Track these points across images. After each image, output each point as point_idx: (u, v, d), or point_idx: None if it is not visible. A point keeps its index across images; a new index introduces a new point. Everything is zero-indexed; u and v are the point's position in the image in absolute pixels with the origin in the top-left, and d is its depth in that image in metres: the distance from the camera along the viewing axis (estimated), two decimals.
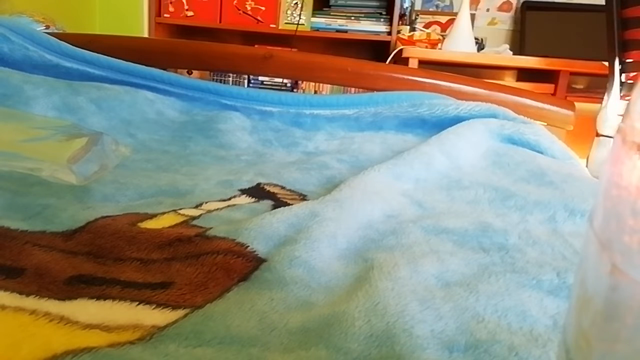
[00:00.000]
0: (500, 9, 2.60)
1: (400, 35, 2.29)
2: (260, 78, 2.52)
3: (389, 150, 0.85)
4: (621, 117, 0.18)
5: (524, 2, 2.53)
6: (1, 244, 0.42)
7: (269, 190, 0.65)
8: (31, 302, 0.35)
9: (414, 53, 2.10)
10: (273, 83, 2.52)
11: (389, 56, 2.18)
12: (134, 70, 1.03)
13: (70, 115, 0.84)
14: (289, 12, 2.47)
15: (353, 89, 2.18)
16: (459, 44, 2.10)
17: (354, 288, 0.40)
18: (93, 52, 1.04)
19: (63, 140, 0.66)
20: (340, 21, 2.45)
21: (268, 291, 0.39)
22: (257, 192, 0.64)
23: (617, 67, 1.47)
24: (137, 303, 0.36)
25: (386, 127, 0.99)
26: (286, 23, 2.47)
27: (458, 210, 0.61)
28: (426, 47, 2.20)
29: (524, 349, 0.33)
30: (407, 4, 2.40)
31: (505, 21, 2.60)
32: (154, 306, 0.36)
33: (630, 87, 1.47)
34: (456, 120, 0.92)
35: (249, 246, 0.45)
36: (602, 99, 1.52)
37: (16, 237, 0.43)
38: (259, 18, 2.47)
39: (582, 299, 0.18)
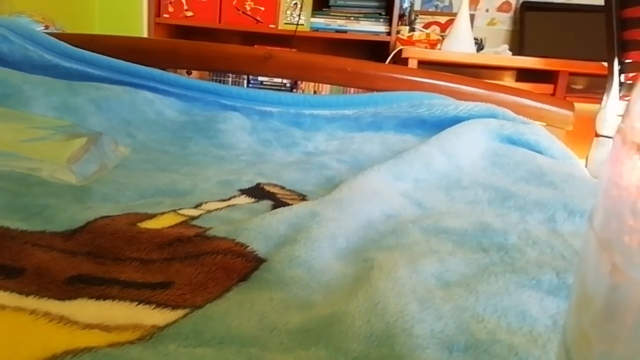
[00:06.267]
0: (499, 9, 2.60)
1: (399, 36, 2.30)
2: (260, 78, 2.52)
3: (389, 151, 0.85)
4: (620, 118, 0.18)
5: (523, 3, 2.53)
6: (1, 244, 0.42)
7: (268, 191, 0.65)
8: (31, 302, 0.35)
9: (414, 53, 2.10)
10: (272, 83, 2.52)
11: (388, 56, 2.19)
12: (134, 71, 1.03)
13: (69, 116, 0.84)
14: (288, 12, 2.47)
15: (352, 89, 2.18)
16: (459, 45, 2.10)
17: (353, 288, 0.40)
18: (93, 52, 1.04)
19: (62, 140, 0.66)
20: (339, 21, 2.45)
21: (268, 291, 0.39)
22: (257, 192, 0.64)
23: (616, 67, 1.48)
24: (137, 303, 0.36)
25: (386, 127, 0.99)
26: (286, 23, 2.47)
27: (458, 210, 0.61)
28: (425, 48, 2.20)
29: (523, 348, 0.33)
30: (406, 4, 2.40)
31: (504, 21, 2.60)
32: (153, 306, 0.36)
33: (630, 87, 1.47)
34: (456, 120, 0.92)
35: (248, 246, 0.45)
36: (602, 99, 1.52)
37: (16, 237, 0.43)
38: (258, 18, 2.47)
39: (582, 299, 0.18)
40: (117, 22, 2.40)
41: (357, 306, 0.36)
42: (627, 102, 0.18)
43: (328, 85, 2.47)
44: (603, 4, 1.50)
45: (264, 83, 2.53)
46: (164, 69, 1.09)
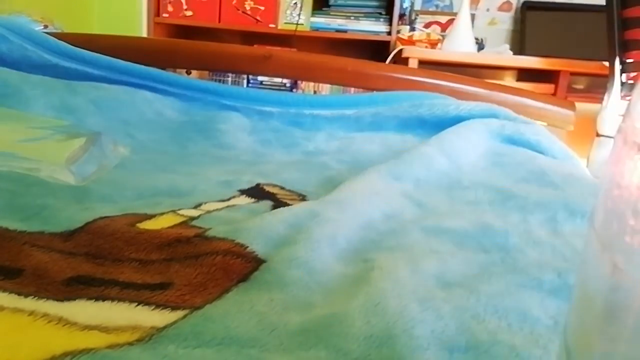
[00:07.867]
0: (500, 8, 2.60)
1: (400, 35, 2.29)
2: (259, 78, 2.51)
3: (389, 151, 0.85)
4: (622, 118, 0.17)
5: (524, 2, 2.52)
6: (0, 245, 0.42)
7: (268, 191, 0.65)
8: (30, 303, 0.35)
9: (414, 53, 2.10)
10: (272, 83, 2.51)
11: (388, 56, 2.18)
12: (133, 70, 1.02)
13: (68, 115, 0.84)
14: (288, 11, 2.47)
15: (353, 89, 2.17)
16: (459, 44, 2.10)
17: (354, 289, 0.39)
18: (92, 51, 1.04)
19: (61, 141, 0.65)
20: (339, 21, 2.44)
21: (267, 292, 0.39)
22: (257, 192, 0.64)
23: (617, 67, 1.47)
24: (136, 304, 0.36)
25: (386, 127, 0.99)
26: (285, 23, 2.47)
27: (458, 210, 0.60)
28: (426, 47, 2.20)
29: (524, 349, 0.33)
30: (406, 4, 2.40)
31: (505, 21, 2.60)
32: (152, 307, 0.36)
33: (631, 87, 1.47)
34: (456, 120, 0.92)
35: (248, 247, 0.44)
36: (603, 99, 1.52)
37: (15, 238, 0.43)
38: (258, 18, 2.47)
39: (583, 299, 0.18)
40: (116, 21, 2.40)
41: (357, 307, 0.36)
42: (628, 102, 0.18)
43: (328, 85, 2.47)
44: (604, 3, 1.50)
45: (263, 83, 2.53)
46: (163, 69, 1.09)
